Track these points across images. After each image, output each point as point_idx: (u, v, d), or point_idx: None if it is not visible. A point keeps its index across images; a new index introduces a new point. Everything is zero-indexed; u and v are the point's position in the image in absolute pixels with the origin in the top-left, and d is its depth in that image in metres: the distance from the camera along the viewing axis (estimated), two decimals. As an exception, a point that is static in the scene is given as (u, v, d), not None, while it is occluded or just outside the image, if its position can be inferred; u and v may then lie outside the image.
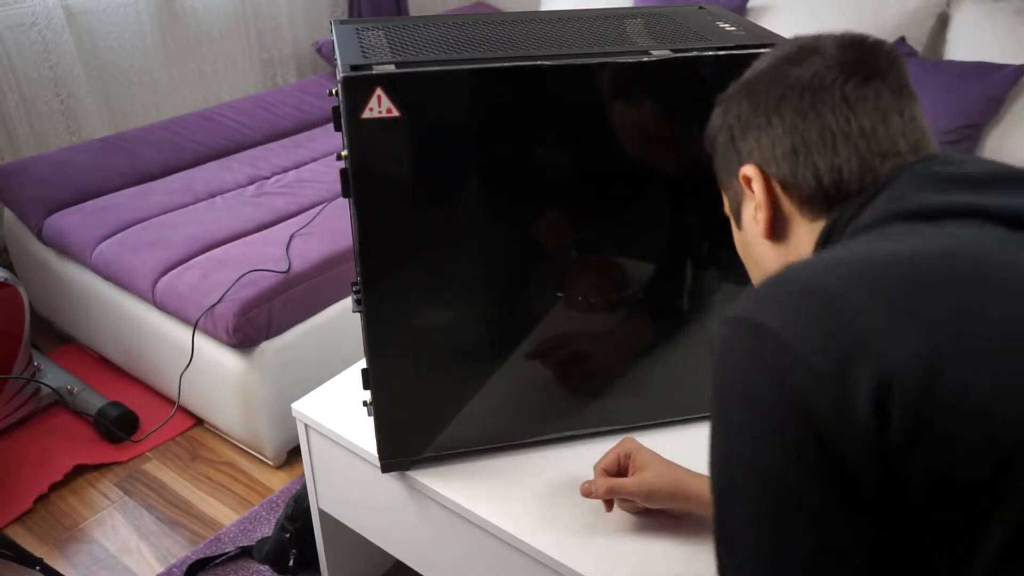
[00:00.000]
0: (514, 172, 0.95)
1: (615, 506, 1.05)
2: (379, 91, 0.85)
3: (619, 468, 1.04)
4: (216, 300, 1.82)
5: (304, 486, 1.55)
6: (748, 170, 0.72)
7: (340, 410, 1.24)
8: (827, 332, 0.54)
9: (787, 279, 0.59)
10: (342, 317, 2.01)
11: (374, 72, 0.85)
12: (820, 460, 0.53)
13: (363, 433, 1.19)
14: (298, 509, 1.58)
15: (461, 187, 0.94)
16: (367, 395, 1.09)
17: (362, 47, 0.92)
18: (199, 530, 1.82)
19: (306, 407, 1.26)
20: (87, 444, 2.04)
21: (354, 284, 1.04)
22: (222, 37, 3.09)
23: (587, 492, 1.03)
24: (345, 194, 0.93)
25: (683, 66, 0.93)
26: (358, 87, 0.85)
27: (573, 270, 1.05)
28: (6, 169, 2.28)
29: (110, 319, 2.16)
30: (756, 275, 0.79)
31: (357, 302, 1.01)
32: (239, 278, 1.87)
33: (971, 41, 2.53)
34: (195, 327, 1.88)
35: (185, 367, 1.98)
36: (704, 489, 1.00)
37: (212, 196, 2.30)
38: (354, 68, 0.85)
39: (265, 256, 1.96)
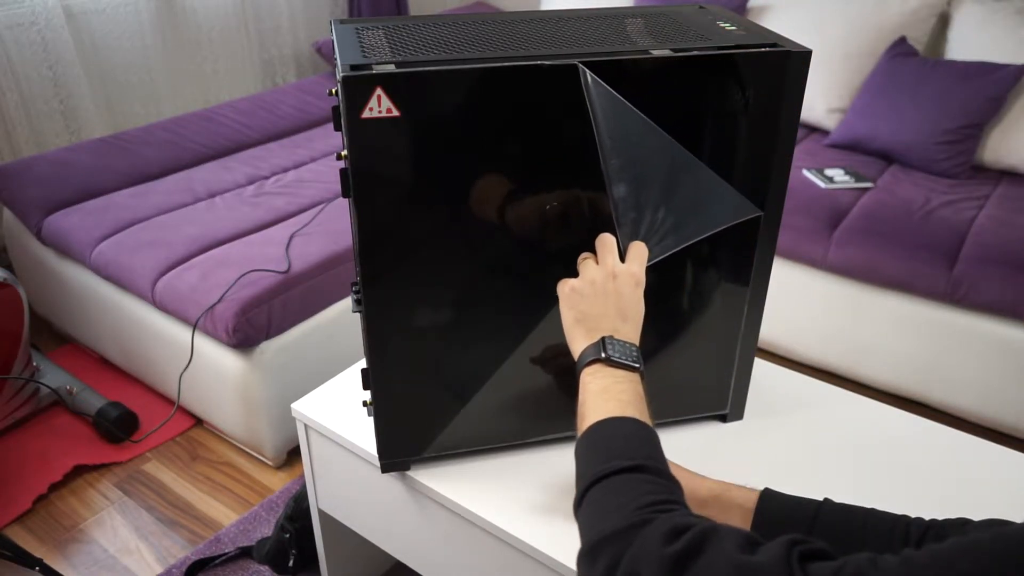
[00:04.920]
0: (514, 172, 0.95)
1: None
2: (379, 91, 0.85)
3: None
4: (216, 300, 1.82)
5: (304, 486, 1.54)
6: None
7: (340, 410, 1.24)
8: None
9: None
10: (342, 317, 2.01)
11: (374, 72, 0.85)
12: None
13: (363, 433, 1.19)
14: (298, 509, 1.57)
15: (461, 187, 0.94)
16: (367, 395, 1.09)
17: (362, 47, 0.92)
18: (199, 530, 1.82)
19: (306, 407, 1.26)
20: (87, 444, 2.04)
21: (354, 284, 1.03)
22: (222, 37, 3.09)
23: None
24: (345, 194, 0.93)
25: (683, 66, 0.93)
26: (358, 87, 0.85)
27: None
28: (6, 169, 2.28)
29: (110, 319, 2.16)
30: None
31: (357, 302, 1.01)
32: (239, 278, 1.87)
33: (972, 41, 2.53)
34: (195, 327, 1.88)
35: (185, 367, 1.98)
36: (701, 488, 1.00)
37: (212, 196, 2.30)
38: (354, 68, 0.85)
39: (265, 256, 1.96)
